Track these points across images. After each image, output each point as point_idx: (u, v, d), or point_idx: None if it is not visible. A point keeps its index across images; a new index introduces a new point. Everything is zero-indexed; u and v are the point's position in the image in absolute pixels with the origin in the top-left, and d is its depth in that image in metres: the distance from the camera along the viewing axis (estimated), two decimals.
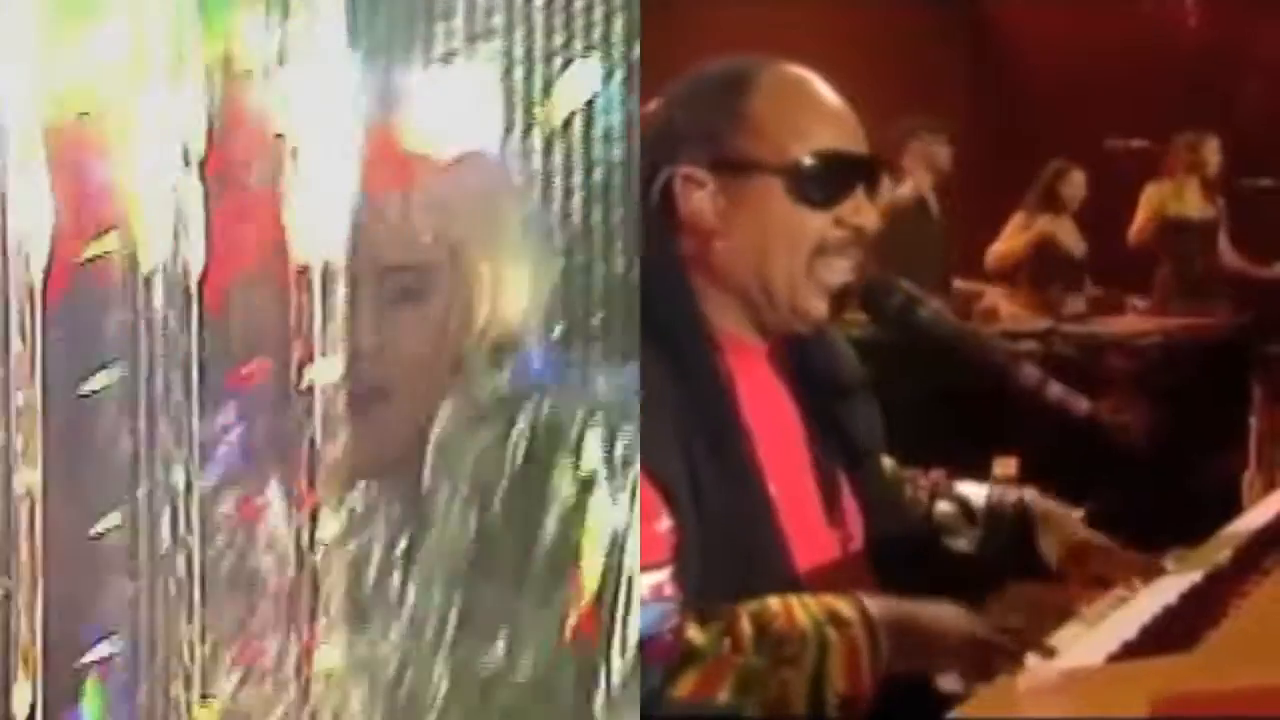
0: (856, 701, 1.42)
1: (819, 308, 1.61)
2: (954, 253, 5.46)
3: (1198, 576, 1.71)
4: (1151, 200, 5.75)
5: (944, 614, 1.46)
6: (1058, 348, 4.47)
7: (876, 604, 1.45)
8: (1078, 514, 1.85)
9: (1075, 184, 5.72)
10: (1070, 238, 5.74)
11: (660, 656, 1.41)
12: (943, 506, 1.84)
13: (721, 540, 1.50)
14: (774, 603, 1.45)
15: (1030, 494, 1.84)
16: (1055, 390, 1.69)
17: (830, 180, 1.59)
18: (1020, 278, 5.71)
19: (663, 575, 1.46)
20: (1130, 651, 1.46)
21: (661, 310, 1.58)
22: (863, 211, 1.61)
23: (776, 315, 1.62)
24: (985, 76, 7.04)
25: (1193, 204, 5.71)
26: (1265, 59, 6.44)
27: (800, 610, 1.44)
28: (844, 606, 1.45)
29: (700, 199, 1.59)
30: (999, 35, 7.14)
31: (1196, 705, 1.16)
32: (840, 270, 1.61)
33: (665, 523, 1.47)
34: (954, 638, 1.44)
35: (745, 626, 1.42)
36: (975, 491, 1.85)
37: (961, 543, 1.83)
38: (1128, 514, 1.85)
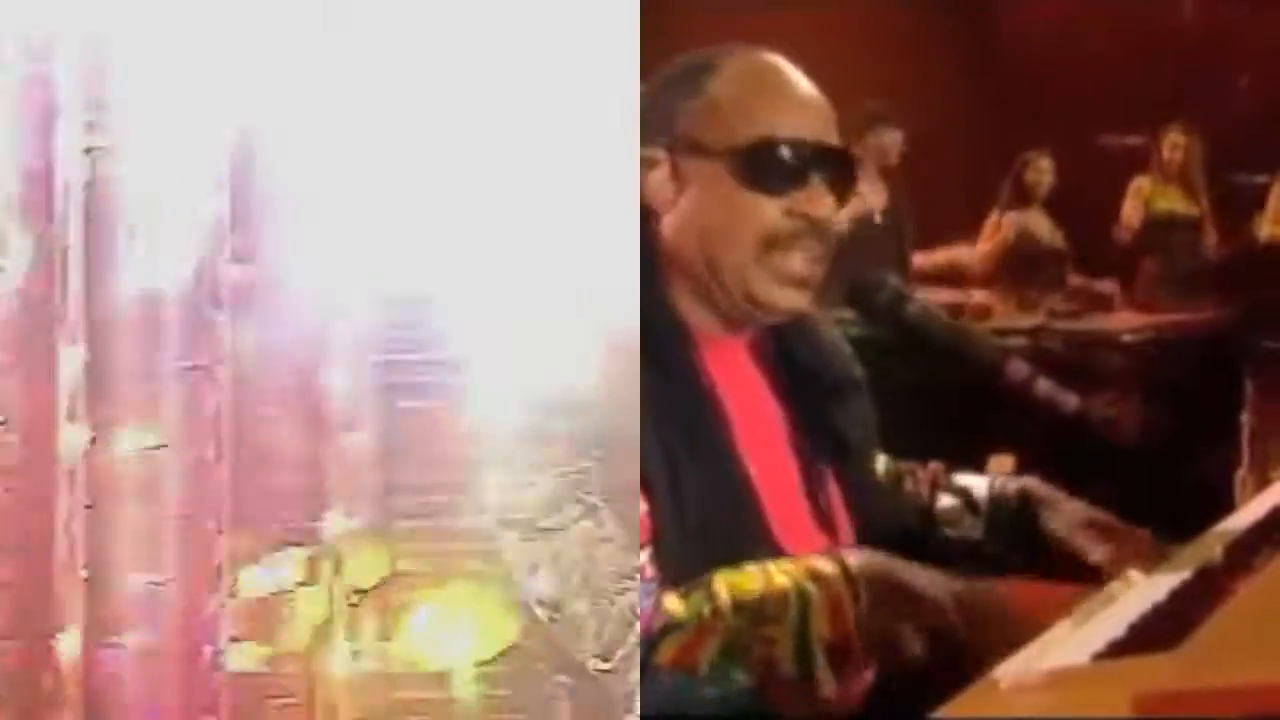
0: (844, 651, 1.42)
1: (777, 297, 1.59)
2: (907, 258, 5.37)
3: (1188, 574, 1.70)
4: (1138, 194, 5.72)
5: (924, 573, 1.46)
6: (1048, 344, 4.46)
7: (856, 556, 1.46)
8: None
9: (1042, 170, 5.64)
10: (1043, 228, 5.67)
11: (642, 627, 1.43)
12: (945, 500, 1.84)
13: (706, 534, 1.50)
14: (751, 568, 1.45)
15: (1032, 481, 1.83)
16: (1044, 386, 1.68)
17: (780, 167, 1.57)
18: (1003, 277, 5.65)
19: (643, 557, 1.47)
20: (1117, 650, 1.45)
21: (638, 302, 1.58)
22: (816, 201, 1.58)
23: (731, 303, 1.60)
24: (977, 73, 7.04)
25: (1177, 200, 5.68)
26: (1256, 52, 6.42)
27: (777, 572, 1.45)
28: (823, 563, 1.45)
29: (655, 179, 1.59)
30: (992, 33, 7.13)
31: (1180, 704, 1.15)
32: (799, 261, 1.58)
33: (642, 507, 1.48)
34: (933, 591, 1.44)
35: (723, 592, 1.43)
36: (976, 482, 1.84)
37: (967, 533, 1.82)
38: (1120, 511, 1.84)
